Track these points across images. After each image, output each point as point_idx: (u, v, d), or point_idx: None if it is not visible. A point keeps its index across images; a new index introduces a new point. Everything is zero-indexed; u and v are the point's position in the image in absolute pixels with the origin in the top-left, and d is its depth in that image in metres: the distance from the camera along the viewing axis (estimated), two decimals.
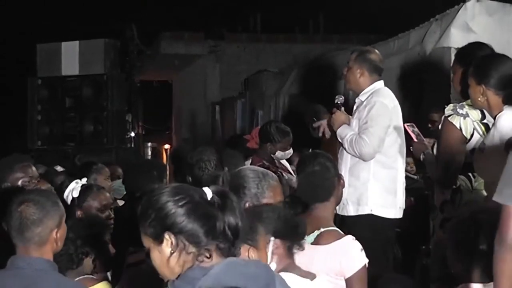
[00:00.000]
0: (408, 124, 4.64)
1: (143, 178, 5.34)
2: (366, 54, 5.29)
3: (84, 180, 4.50)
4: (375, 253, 5.13)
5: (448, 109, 4.17)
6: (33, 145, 10.21)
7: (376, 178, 5.12)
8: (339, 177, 3.94)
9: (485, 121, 4.14)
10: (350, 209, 5.12)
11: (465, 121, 4.10)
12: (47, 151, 10.02)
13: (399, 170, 5.19)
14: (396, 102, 5.23)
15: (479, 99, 3.90)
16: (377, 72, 5.27)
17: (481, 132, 4.12)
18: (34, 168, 5.00)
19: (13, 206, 3.09)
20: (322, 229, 3.64)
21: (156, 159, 13.63)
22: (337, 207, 5.15)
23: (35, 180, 4.93)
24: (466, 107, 4.14)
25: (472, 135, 4.12)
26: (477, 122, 4.13)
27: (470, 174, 4.18)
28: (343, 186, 4.00)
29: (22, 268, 3.02)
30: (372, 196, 5.10)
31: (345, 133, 5.19)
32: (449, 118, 4.13)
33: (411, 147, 4.69)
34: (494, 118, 3.87)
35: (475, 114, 4.13)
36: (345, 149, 5.18)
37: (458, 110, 4.12)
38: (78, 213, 4.31)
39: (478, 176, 4.17)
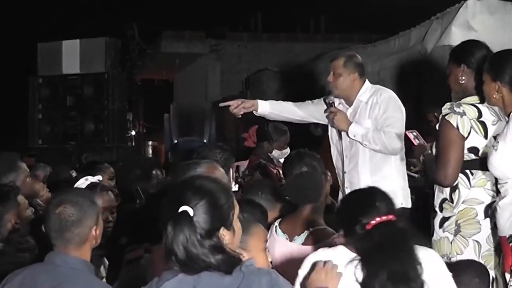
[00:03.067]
0: (411, 130, 4.65)
1: (127, 178, 5.36)
2: (354, 59, 5.24)
3: (95, 178, 4.44)
4: None
5: (445, 108, 4.17)
6: (34, 144, 10.22)
7: (398, 172, 5.11)
8: (326, 174, 3.93)
9: (482, 119, 4.14)
10: None
11: (462, 119, 4.10)
12: (48, 149, 10.03)
13: (405, 159, 5.21)
14: None
15: (494, 96, 3.89)
16: (364, 74, 5.27)
17: (478, 130, 4.12)
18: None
19: (50, 208, 3.08)
20: (311, 229, 3.62)
21: (145, 157, 13.60)
22: None
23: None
24: (463, 105, 4.14)
25: (469, 133, 4.12)
26: (474, 120, 4.13)
27: (468, 172, 4.18)
28: (330, 182, 3.99)
29: (57, 265, 3.02)
30: (400, 189, 5.10)
31: (362, 130, 5.05)
32: (446, 117, 4.13)
33: (414, 151, 4.66)
34: (508, 116, 3.87)
35: (472, 113, 4.13)
36: (364, 145, 5.07)
37: (455, 108, 4.12)
38: None
39: (476, 174, 4.18)
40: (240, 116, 5.47)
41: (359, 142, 5.08)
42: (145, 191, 5.29)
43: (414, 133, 4.54)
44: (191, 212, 2.37)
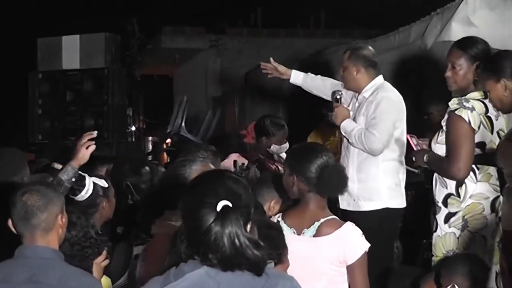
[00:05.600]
0: (411, 135, 4.67)
1: (117, 173, 5.39)
2: (359, 51, 5.33)
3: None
4: (389, 244, 5.20)
5: (453, 103, 4.17)
6: (34, 139, 10.20)
7: (385, 173, 5.18)
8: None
9: (488, 114, 4.15)
10: (363, 205, 5.17)
11: (473, 114, 4.11)
12: (48, 145, 10.01)
13: (403, 162, 5.27)
14: (400, 97, 5.28)
15: (504, 94, 3.90)
16: (372, 66, 5.31)
17: (486, 125, 4.13)
18: None
19: (16, 197, 3.17)
20: (322, 220, 3.64)
21: (137, 154, 13.64)
22: (347, 204, 5.21)
23: None
24: (471, 100, 4.15)
25: (479, 128, 4.13)
26: (482, 116, 4.14)
27: (474, 166, 4.18)
28: None
29: (28, 257, 3.09)
30: (384, 190, 5.16)
31: (351, 127, 5.18)
32: (456, 112, 4.13)
33: (413, 157, 4.67)
34: None
35: (480, 108, 4.14)
36: (350, 143, 5.19)
37: (464, 103, 4.13)
38: (104, 204, 4.34)
39: (482, 168, 4.18)
40: (269, 76, 5.89)
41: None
42: (136, 187, 5.30)
43: (415, 138, 4.57)
44: (231, 206, 2.37)
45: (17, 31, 17.94)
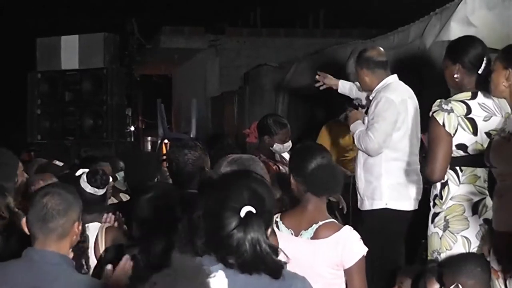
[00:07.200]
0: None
1: (145, 171, 5.37)
2: (362, 54, 5.40)
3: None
4: (391, 245, 5.24)
5: (434, 105, 4.22)
6: (33, 139, 10.22)
7: (388, 172, 5.21)
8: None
9: (470, 115, 4.17)
10: (366, 203, 5.24)
11: (449, 116, 4.13)
12: (47, 145, 10.03)
13: (411, 163, 5.27)
14: (406, 96, 5.27)
15: (502, 84, 3.91)
16: (379, 67, 5.32)
17: (465, 127, 4.15)
18: None
19: (36, 198, 3.10)
20: (320, 222, 3.63)
21: (150, 152, 13.67)
22: (359, 203, 5.32)
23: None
24: (452, 102, 4.18)
25: (456, 130, 4.15)
26: (461, 117, 4.15)
27: (457, 168, 4.20)
28: None
29: (34, 261, 3.01)
30: (385, 190, 5.20)
31: (355, 128, 5.32)
32: (434, 114, 4.19)
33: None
34: None
35: (460, 109, 4.16)
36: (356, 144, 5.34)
37: (443, 105, 4.17)
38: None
39: (466, 170, 4.20)
40: (321, 88, 5.99)
41: None
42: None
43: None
44: (254, 212, 2.36)
45: (17, 31, 17.94)
